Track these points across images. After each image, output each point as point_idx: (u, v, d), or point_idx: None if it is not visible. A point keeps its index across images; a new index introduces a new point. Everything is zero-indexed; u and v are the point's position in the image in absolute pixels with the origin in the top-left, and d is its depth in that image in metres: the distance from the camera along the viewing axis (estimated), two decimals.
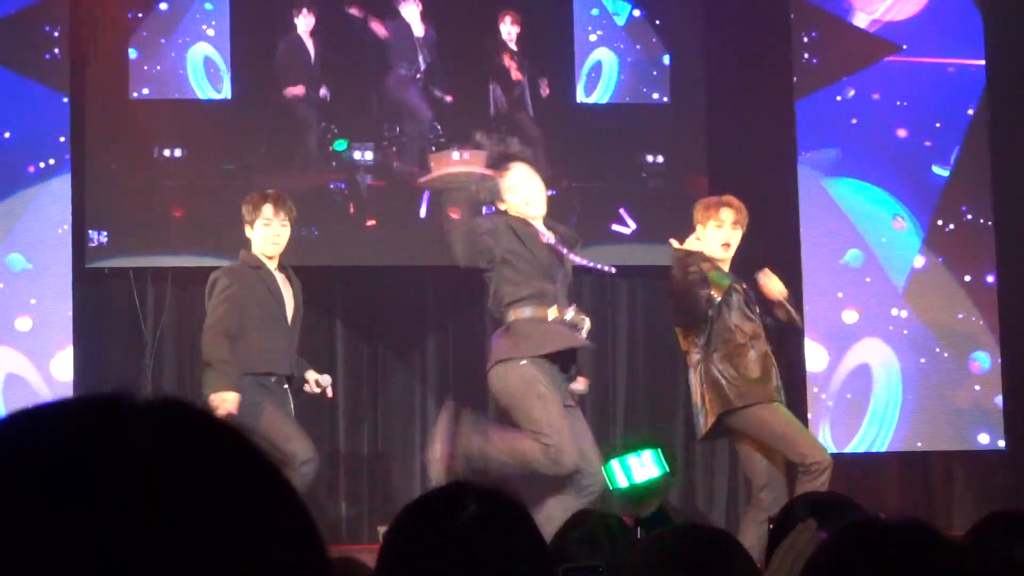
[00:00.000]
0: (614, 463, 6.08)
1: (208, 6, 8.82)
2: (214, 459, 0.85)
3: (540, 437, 6.65)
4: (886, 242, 9.10)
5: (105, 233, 8.61)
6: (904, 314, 9.09)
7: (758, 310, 7.29)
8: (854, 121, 9.12)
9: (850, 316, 9.06)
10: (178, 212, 8.68)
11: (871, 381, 9.05)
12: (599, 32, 9.08)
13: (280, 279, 7.32)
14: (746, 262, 9.10)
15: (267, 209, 7.24)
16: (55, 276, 8.47)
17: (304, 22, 8.84)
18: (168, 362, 8.72)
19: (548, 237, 6.98)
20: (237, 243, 8.55)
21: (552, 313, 6.86)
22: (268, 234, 7.25)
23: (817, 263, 9.01)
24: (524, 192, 7.03)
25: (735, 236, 7.24)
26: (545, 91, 8.97)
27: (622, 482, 6.04)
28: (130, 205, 8.63)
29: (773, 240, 9.07)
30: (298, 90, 8.81)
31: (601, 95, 9.07)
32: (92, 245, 8.59)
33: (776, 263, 9.07)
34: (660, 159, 9.03)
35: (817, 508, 3.80)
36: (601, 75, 9.08)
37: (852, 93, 9.14)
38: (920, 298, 9.08)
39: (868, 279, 9.09)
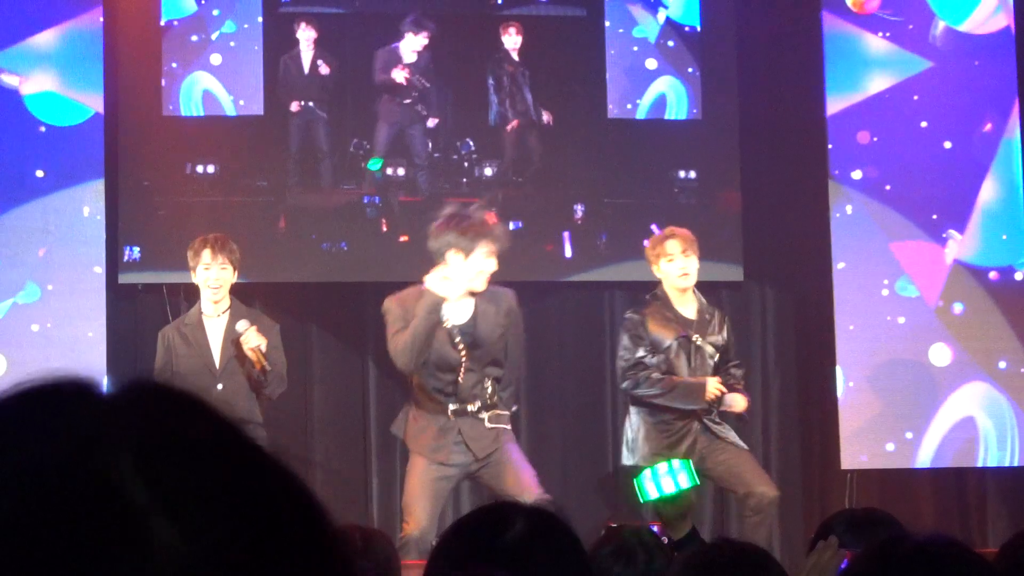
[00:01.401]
0: (645, 474, 6.09)
1: (230, 27, 8.83)
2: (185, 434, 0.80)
3: None
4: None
5: (138, 248, 8.64)
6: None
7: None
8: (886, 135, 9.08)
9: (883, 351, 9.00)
10: (210, 228, 8.69)
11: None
12: (635, 48, 9.07)
13: (220, 325, 7.45)
14: (778, 276, 9.12)
15: (205, 254, 7.43)
16: (88, 292, 8.48)
17: (306, 36, 8.85)
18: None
19: None
20: (270, 259, 8.58)
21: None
22: (207, 277, 7.45)
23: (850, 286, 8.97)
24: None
25: (690, 263, 7.54)
26: (548, 116, 8.96)
27: (652, 493, 6.04)
28: (163, 221, 8.66)
29: (804, 256, 9.07)
30: (300, 105, 8.83)
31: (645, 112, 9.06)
32: (125, 260, 8.62)
33: (807, 278, 9.08)
34: (692, 175, 9.03)
35: (854, 524, 3.79)
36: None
37: (886, 104, 9.10)
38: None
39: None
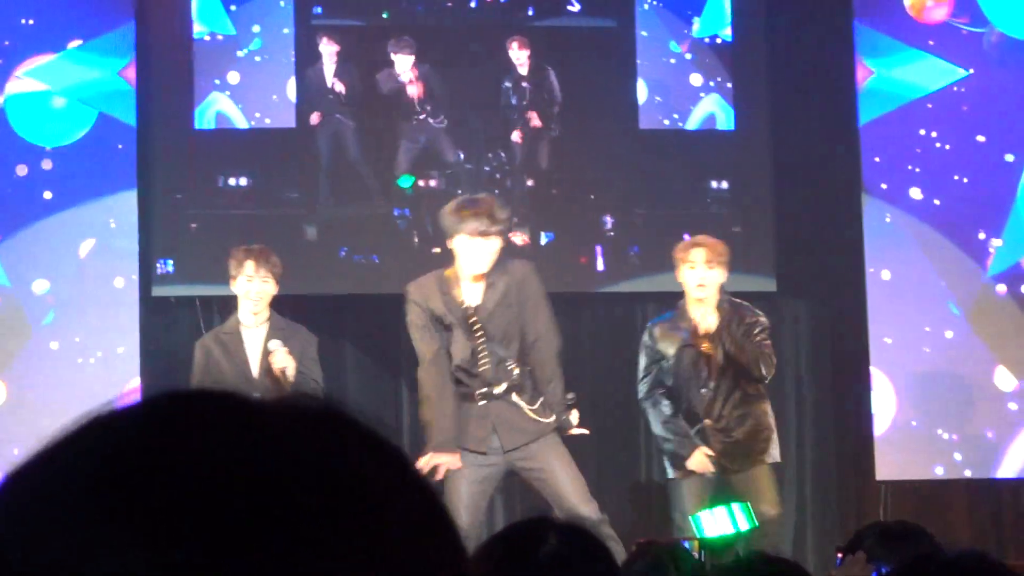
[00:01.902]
0: (703, 514, 6.13)
1: (258, 41, 8.86)
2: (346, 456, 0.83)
3: None
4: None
5: (171, 261, 8.67)
6: None
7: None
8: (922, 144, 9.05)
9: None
10: (243, 240, 8.72)
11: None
12: (666, 59, 9.06)
13: (259, 336, 7.41)
14: (811, 287, 9.10)
15: (249, 266, 7.41)
16: (122, 305, 8.52)
17: (328, 49, 8.87)
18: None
19: None
20: (301, 270, 8.59)
21: None
22: (249, 289, 7.44)
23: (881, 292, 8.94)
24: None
25: (710, 275, 7.45)
26: (578, 127, 8.97)
27: (710, 532, 6.10)
28: (195, 233, 8.68)
29: (837, 267, 9.05)
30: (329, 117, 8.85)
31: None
32: (158, 273, 8.65)
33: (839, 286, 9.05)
34: (725, 185, 9.01)
35: (886, 536, 3.77)
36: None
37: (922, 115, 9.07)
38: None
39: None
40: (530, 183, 8.92)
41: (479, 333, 7.08)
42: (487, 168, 8.90)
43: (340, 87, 8.84)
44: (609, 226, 8.86)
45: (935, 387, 8.90)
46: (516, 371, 7.12)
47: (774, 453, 7.61)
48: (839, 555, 3.92)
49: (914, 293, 8.94)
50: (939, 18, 9.10)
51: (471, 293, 7.14)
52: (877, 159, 9.03)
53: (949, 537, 7.02)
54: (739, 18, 9.05)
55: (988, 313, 8.99)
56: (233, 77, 8.80)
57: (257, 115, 8.81)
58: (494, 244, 7.07)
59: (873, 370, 8.85)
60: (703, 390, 7.51)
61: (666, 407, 7.57)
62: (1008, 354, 8.94)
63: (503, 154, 8.90)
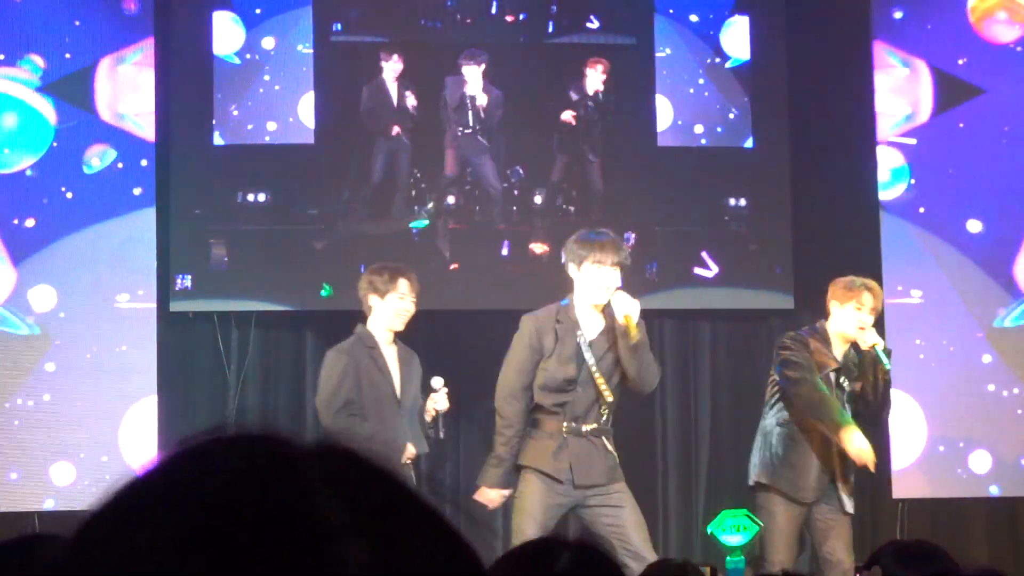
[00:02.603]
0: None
1: (278, 56, 8.89)
2: (379, 502, 0.88)
3: None
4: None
5: (189, 277, 8.69)
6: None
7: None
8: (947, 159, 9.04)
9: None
10: (262, 256, 8.74)
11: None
12: (685, 76, 9.07)
13: (393, 354, 7.35)
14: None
15: (403, 284, 7.26)
16: (140, 320, 8.54)
17: (391, 68, 8.89)
18: (251, 405, 8.75)
19: None
20: (319, 286, 8.60)
21: None
22: (400, 308, 7.27)
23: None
24: None
25: (869, 320, 7.27)
26: (598, 144, 8.97)
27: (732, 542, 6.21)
28: (214, 249, 8.70)
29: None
30: (382, 135, 8.86)
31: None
32: (177, 289, 8.67)
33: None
34: (743, 202, 9.01)
35: (904, 555, 3.77)
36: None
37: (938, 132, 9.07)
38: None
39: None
40: (547, 199, 8.92)
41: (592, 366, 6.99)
42: (505, 184, 8.91)
43: (405, 103, 8.86)
44: (632, 243, 8.86)
45: (956, 406, 8.88)
46: (605, 413, 7.04)
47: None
48: (856, 574, 3.92)
49: (935, 312, 8.92)
50: (1007, 39, 9.05)
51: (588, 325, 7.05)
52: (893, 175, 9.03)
53: (967, 557, 7.00)
54: (758, 35, 9.06)
55: (1010, 333, 8.97)
56: (253, 93, 8.82)
57: (276, 131, 8.83)
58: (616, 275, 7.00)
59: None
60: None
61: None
62: None
63: (520, 170, 8.91)
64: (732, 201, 9.00)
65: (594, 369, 6.94)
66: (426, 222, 8.80)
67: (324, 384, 7.23)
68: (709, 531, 6.82)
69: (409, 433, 7.20)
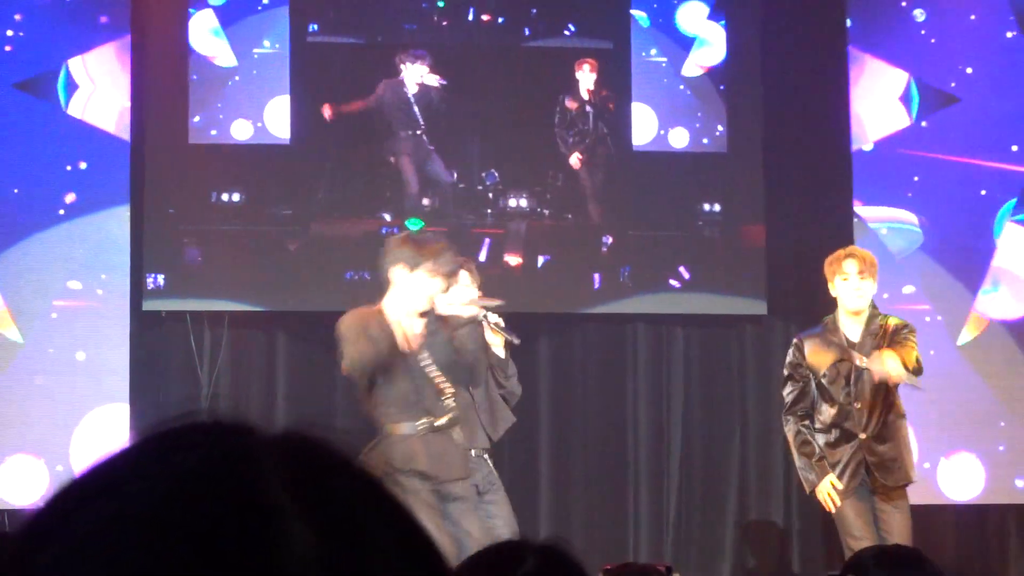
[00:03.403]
0: None
1: (254, 55, 8.88)
2: (342, 494, 0.90)
3: None
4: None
5: (162, 276, 8.67)
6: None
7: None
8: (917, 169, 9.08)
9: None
10: (235, 256, 8.73)
11: None
12: (663, 80, 9.08)
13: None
14: (802, 309, 9.10)
15: (463, 276, 6.98)
16: (112, 318, 8.53)
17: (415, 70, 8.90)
18: (223, 405, 8.75)
19: None
20: (293, 287, 8.60)
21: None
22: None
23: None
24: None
25: (865, 285, 7.21)
26: (603, 139, 9.00)
27: None
28: (187, 248, 8.69)
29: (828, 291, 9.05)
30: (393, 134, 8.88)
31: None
32: (149, 288, 8.65)
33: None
34: (717, 208, 9.02)
35: (885, 560, 3.77)
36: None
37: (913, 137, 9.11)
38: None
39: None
40: (522, 203, 8.93)
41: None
42: (480, 188, 8.91)
43: (422, 104, 8.88)
44: (607, 247, 8.87)
45: (930, 414, 8.90)
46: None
47: (913, 473, 7.35)
48: None
49: (908, 316, 8.94)
50: None
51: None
52: (868, 182, 9.05)
53: (938, 562, 7.00)
54: (734, 41, 9.08)
55: (980, 342, 9.01)
56: (229, 93, 8.80)
57: (251, 131, 8.82)
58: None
59: None
60: (857, 404, 7.17)
61: (804, 427, 7.28)
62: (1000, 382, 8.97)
63: (496, 173, 8.91)
64: (706, 206, 9.02)
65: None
66: (421, 223, 8.79)
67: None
68: None
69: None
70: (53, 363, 8.48)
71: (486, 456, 7.08)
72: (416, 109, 8.91)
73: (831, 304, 9.09)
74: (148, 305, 8.66)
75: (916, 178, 9.09)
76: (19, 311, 8.51)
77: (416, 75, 8.90)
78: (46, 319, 8.51)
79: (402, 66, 8.89)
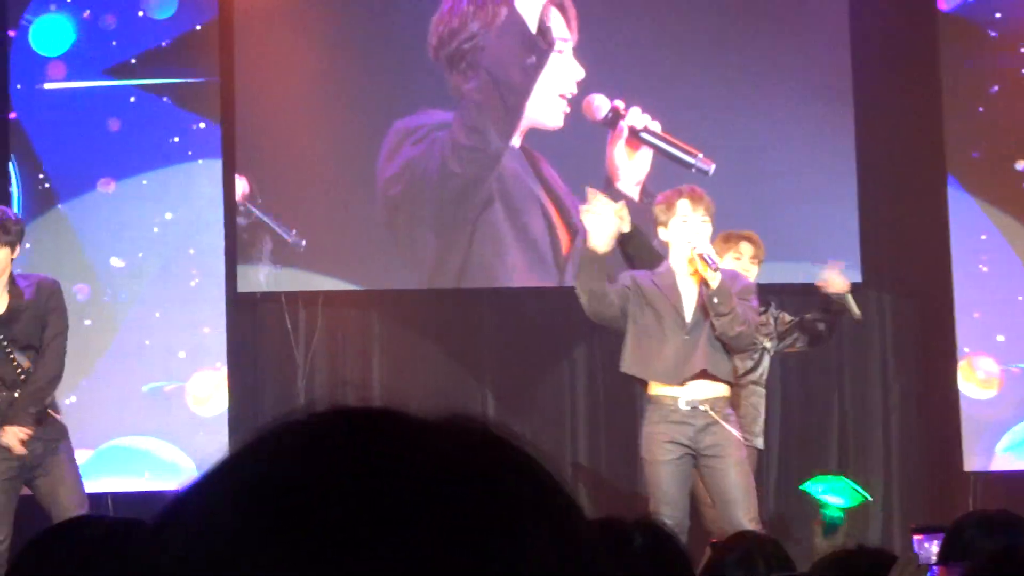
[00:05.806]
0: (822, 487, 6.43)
1: None
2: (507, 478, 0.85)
3: None
4: None
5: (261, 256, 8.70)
6: None
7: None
8: None
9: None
10: (326, 236, 8.74)
11: None
12: None
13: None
14: (896, 278, 9.02)
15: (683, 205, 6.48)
16: (210, 301, 8.52)
17: None
18: (319, 385, 8.75)
19: None
20: (386, 267, 8.63)
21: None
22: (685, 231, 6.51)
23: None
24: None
25: (752, 271, 7.11)
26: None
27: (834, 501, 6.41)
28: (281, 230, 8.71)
29: (922, 258, 8.97)
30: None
31: None
32: (245, 269, 8.69)
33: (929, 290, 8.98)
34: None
35: (985, 524, 3.75)
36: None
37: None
38: None
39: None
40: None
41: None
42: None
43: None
44: None
45: None
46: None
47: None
48: (913, 535, 3.93)
49: (1002, 283, 8.84)
50: None
51: None
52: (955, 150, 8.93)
53: None
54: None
55: None
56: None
57: None
58: None
59: (961, 359, 8.75)
60: None
61: None
62: None
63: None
64: None
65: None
66: None
67: None
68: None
69: None
70: (145, 347, 8.47)
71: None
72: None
73: (927, 271, 9.02)
74: (244, 287, 8.68)
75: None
76: (110, 283, 8.51)
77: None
78: (139, 300, 8.52)
79: None
